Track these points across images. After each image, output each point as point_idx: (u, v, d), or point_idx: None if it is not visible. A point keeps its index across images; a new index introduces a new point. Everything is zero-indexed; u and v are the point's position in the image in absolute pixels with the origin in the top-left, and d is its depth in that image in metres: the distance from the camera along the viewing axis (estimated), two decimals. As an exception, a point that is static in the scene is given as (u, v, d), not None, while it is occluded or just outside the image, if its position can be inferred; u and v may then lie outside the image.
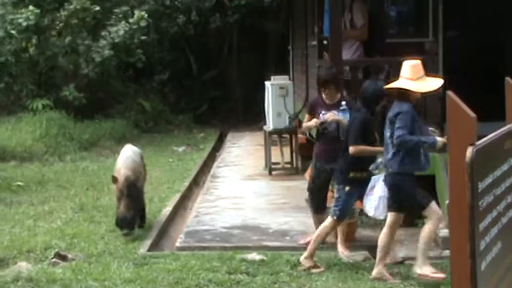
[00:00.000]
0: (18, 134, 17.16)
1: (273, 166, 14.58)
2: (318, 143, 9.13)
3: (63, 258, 8.58)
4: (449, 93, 3.72)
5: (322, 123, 8.88)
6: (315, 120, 8.95)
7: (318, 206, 9.09)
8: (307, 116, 9.22)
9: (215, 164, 16.36)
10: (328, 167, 8.79)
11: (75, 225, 10.21)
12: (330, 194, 9.68)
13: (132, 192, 9.46)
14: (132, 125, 21.50)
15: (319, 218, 8.97)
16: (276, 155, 14.70)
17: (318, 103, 9.07)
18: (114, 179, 9.52)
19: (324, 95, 9.02)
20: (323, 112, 8.88)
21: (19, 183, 12.78)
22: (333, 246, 8.94)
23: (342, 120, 8.72)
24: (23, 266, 8.18)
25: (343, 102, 8.81)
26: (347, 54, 10.39)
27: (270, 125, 14.72)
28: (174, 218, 11.23)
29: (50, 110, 18.95)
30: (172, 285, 7.37)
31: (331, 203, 9.48)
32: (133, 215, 9.40)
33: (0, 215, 10.94)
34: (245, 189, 13.04)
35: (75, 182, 13.84)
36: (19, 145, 16.41)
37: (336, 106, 8.87)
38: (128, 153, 10.05)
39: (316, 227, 8.74)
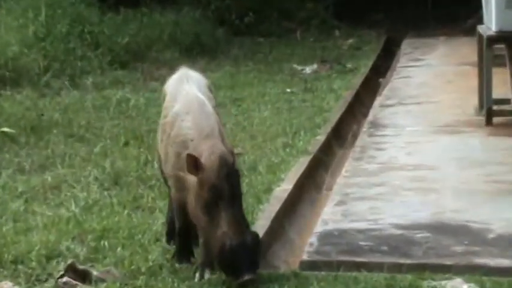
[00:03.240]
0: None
1: (496, 107, 12.62)
2: None
3: (83, 276, 7.65)
4: None
5: None
6: None
7: None
8: None
9: (377, 101, 14.36)
10: None
11: (104, 214, 9.09)
12: None
13: (238, 186, 7.39)
14: (213, 20, 19.98)
15: None
16: (500, 86, 12.73)
17: None
18: (193, 160, 7.28)
19: None
20: None
21: (4, 129, 11.66)
22: None
23: None
24: (5, 291, 7.90)
25: None
26: None
27: (491, 25, 12.57)
28: (297, 204, 9.77)
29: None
30: None
31: None
32: (258, 238, 7.37)
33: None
34: (438, 152, 11.42)
35: (104, 128, 12.32)
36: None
37: None
38: (194, 91, 7.84)
39: None
